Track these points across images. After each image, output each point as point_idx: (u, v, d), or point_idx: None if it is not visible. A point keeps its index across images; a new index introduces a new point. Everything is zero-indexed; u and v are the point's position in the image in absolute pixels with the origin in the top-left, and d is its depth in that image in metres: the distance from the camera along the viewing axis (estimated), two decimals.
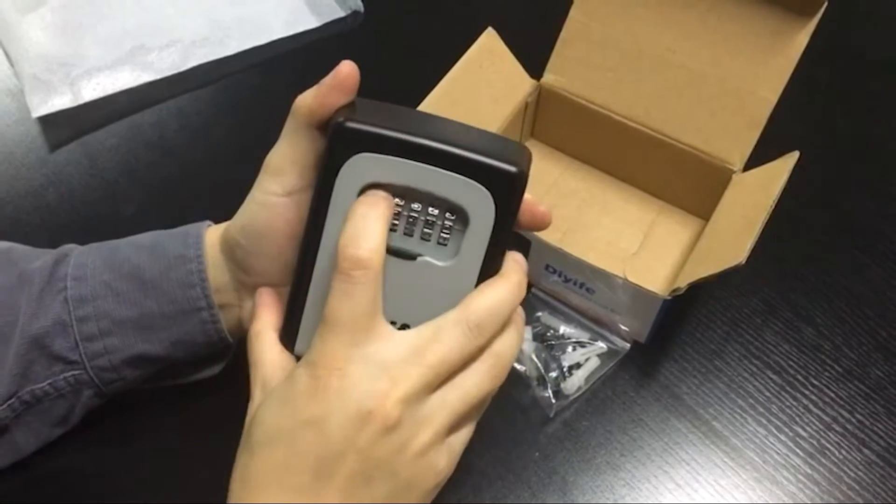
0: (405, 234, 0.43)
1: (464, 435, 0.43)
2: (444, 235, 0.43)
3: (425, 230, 0.43)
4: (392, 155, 0.41)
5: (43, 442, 0.54)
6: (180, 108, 0.77)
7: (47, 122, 0.74)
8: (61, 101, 0.74)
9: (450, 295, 0.42)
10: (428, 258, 0.43)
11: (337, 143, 0.42)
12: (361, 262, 0.40)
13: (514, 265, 0.44)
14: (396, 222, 0.43)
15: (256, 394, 0.44)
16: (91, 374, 0.51)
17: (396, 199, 0.43)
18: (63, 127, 0.74)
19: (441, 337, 0.41)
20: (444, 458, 0.42)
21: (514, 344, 0.43)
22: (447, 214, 0.43)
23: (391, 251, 0.42)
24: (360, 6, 0.82)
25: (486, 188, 0.41)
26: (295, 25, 0.81)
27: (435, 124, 0.44)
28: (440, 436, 0.41)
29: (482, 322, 0.41)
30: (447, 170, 0.41)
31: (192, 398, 0.56)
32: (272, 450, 0.40)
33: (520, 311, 0.44)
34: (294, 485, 0.40)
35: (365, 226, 0.41)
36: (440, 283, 0.43)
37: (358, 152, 0.41)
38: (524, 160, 0.42)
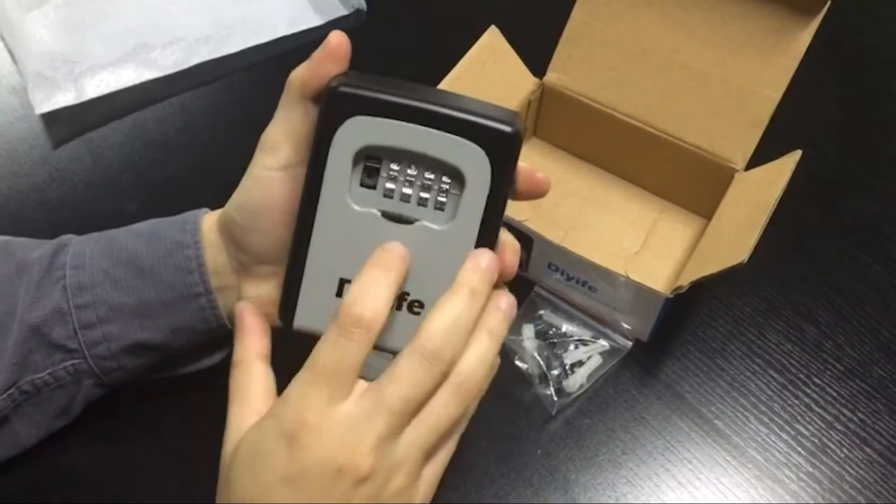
0: (402, 199, 0.43)
1: (441, 458, 0.43)
2: (441, 200, 0.43)
3: (422, 195, 0.43)
4: (386, 117, 0.41)
5: (44, 433, 0.53)
6: (183, 106, 0.77)
7: (50, 118, 0.74)
8: (65, 98, 0.74)
9: (448, 259, 0.42)
10: (425, 222, 0.43)
11: (331, 108, 0.42)
12: (363, 321, 0.39)
13: (464, 274, 0.42)
14: (392, 187, 0.43)
15: (231, 438, 0.43)
16: (90, 363, 0.51)
17: (392, 164, 0.43)
18: (66, 124, 0.74)
19: (398, 376, 0.40)
20: (421, 491, 0.42)
21: (481, 357, 0.42)
22: (444, 178, 0.43)
23: (390, 216, 0.43)
24: (362, 4, 0.82)
25: (482, 148, 0.41)
26: (298, 24, 0.81)
27: (428, 90, 0.44)
28: (414, 473, 0.41)
29: (437, 349, 0.40)
30: (442, 130, 0.41)
31: (192, 398, 0.55)
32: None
33: (506, 303, 0.43)
34: None
35: (374, 289, 0.41)
36: (438, 247, 0.43)
37: (352, 115, 0.41)
38: (518, 122, 0.42)
